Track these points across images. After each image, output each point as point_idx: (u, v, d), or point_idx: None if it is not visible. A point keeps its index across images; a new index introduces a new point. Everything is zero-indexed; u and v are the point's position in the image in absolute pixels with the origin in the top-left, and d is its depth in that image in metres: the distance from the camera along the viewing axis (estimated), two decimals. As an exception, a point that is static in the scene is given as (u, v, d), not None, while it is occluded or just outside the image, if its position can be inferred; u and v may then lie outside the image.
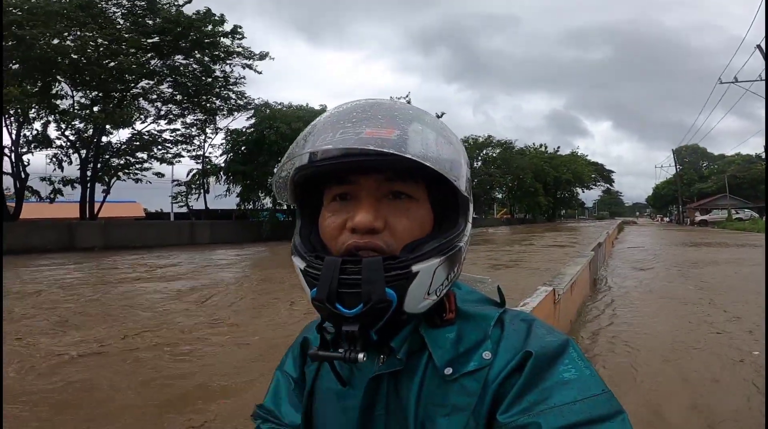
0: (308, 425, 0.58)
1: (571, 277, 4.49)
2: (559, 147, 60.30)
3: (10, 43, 15.53)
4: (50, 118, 18.67)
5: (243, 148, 22.43)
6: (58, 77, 17.70)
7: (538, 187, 47.60)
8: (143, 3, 18.52)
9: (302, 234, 0.54)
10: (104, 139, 20.14)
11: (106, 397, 3.12)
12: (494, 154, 45.01)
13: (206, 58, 20.85)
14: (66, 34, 16.75)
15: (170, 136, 22.17)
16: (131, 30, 18.36)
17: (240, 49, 21.28)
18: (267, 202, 23.74)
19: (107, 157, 20.61)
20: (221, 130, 23.92)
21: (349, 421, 0.52)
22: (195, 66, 20.93)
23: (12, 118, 17.55)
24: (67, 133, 19.26)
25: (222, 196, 24.28)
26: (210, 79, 21.44)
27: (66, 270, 10.68)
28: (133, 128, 20.61)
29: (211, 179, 24.46)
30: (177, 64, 20.44)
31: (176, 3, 19.18)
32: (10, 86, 14.85)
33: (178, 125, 22.34)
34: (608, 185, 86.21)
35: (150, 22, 18.75)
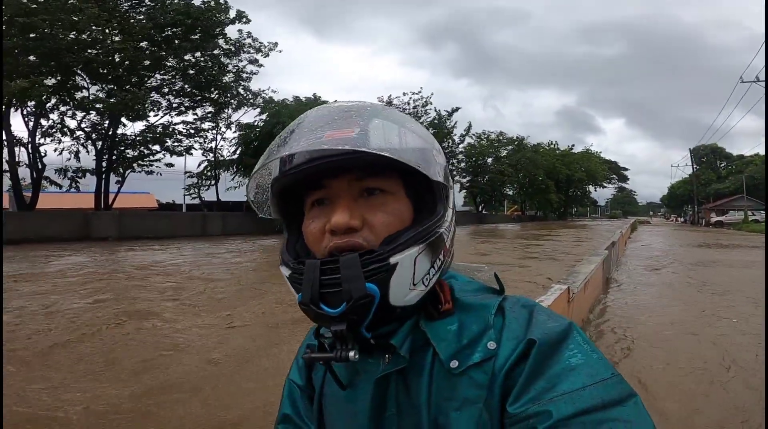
0: None
1: (585, 276, 4.44)
2: (573, 145, 59.43)
3: (30, 35, 15.78)
4: (66, 109, 18.95)
5: (255, 143, 22.60)
6: (76, 69, 17.92)
7: (550, 185, 47.04)
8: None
9: (288, 244, 0.55)
10: (119, 130, 20.42)
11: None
12: (506, 151, 44.52)
13: (217, 51, 20.97)
14: (81, 27, 16.93)
15: (183, 128, 22.39)
16: (144, 24, 18.50)
17: (249, 40, 21.41)
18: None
19: (122, 148, 20.89)
20: (233, 123, 24.13)
21: (360, 424, 0.51)
22: (206, 59, 21.08)
23: (27, 110, 17.82)
24: (83, 124, 19.57)
25: (233, 189, 24.52)
26: (220, 72, 21.57)
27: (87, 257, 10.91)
28: (147, 121, 20.86)
29: (223, 172, 24.70)
30: (189, 57, 20.56)
31: None
32: (22, 78, 15.06)
33: (189, 118, 22.55)
34: (622, 184, 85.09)
35: (161, 15, 18.89)
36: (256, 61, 22.10)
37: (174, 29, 19.34)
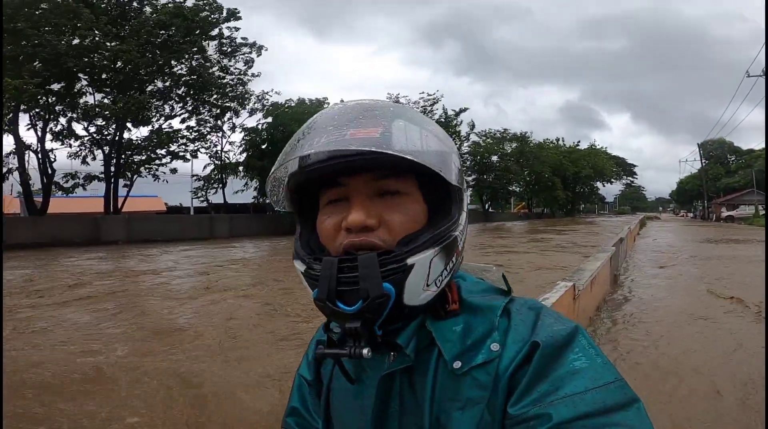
0: (328, 424, 0.59)
1: (591, 273, 4.42)
2: (579, 141, 59.08)
3: (29, 44, 16.01)
4: (72, 115, 19.17)
5: (262, 146, 22.80)
6: (80, 75, 18.13)
7: (557, 182, 46.75)
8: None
9: (302, 239, 0.55)
10: (125, 135, 20.62)
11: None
12: (511, 148, 44.30)
13: (212, 50, 21.07)
14: (81, 33, 17.13)
15: (187, 133, 22.55)
16: (139, 26, 18.64)
17: (240, 39, 21.45)
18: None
19: (129, 153, 21.11)
20: (237, 127, 24.28)
21: (365, 419, 0.52)
22: (203, 60, 21.18)
23: (33, 114, 18.04)
24: (90, 129, 19.81)
25: (241, 191, 24.70)
26: (217, 73, 21.65)
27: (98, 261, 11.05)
28: (152, 125, 21.05)
29: (230, 175, 24.88)
30: (186, 60, 20.63)
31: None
32: (18, 79, 15.26)
33: (192, 122, 22.72)
34: (630, 179, 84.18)
35: (154, 17, 18.97)
36: (252, 60, 22.19)
37: (169, 31, 19.47)
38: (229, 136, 25.93)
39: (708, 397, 2.91)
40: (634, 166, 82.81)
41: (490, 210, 43.92)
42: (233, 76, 22.38)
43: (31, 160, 19.11)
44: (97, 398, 3.06)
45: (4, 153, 18.16)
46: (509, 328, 0.50)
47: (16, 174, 18.46)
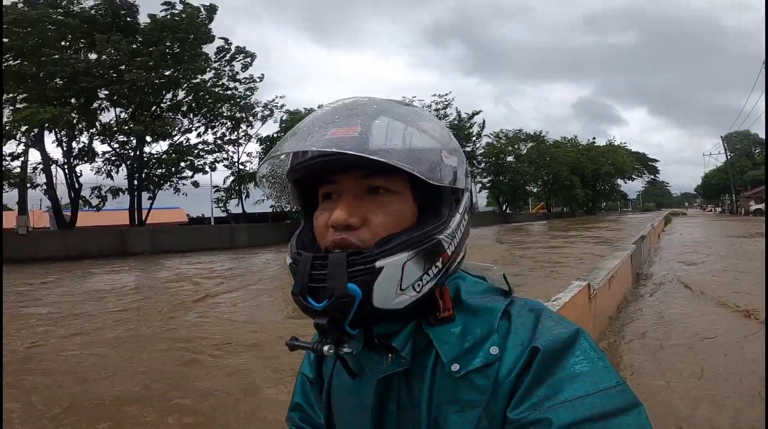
0: (329, 421, 0.60)
1: (608, 272, 4.37)
2: (594, 138, 57.96)
3: (48, 61, 16.69)
4: (93, 131, 19.85)
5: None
6: (98, 92, 18.82)
7: (575, 180, 45.87)
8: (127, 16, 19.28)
9: (301, 234, 0.56)
10: (146, 149, 21.23)
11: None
12: (526, 148, 43.77)
13: (215, 59, 21.42)
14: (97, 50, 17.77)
15: (204, 145, 23.00)
16: (142, 44, 19.17)
17: (228, 47, 21.78)
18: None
19: (150, 167, 21.73)
20: (252, 137, 24.75)
21: (364, 417, 0.53)
22: (213, 74, 21.67)
23: (63, 133, 18.79)
24: (113, 144, 20.49)
25: (261, 202, 25.12)
26: (226, 83, 22.01)
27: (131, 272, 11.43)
28: (171, 140, 21.60)
29: (249, 185, 25.32)
30: (192, 75, 21.07)
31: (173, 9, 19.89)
32: (49, 106, 15.96)
33: (209, 136, 23.16)
34: (653, 176, 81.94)
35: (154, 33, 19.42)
36: (248, 65, 22.46)
37: (170, 44, 19.94)
38: (244, 147, 26.41)
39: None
40: (656, 161, 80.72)
41: (507, 211, 43.43)
42: (243, 85, 22.79)
43: (59, 176, 19.96)
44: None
45: (30, 168, 19.01)
46: (509, 332, 0.49)
47: (34, 188, 19.14)
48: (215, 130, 23.15)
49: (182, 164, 22.25)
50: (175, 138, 21.93)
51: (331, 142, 0.46)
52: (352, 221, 0.48)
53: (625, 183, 63.15)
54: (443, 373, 0.49)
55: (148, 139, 20.32)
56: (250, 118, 23.67)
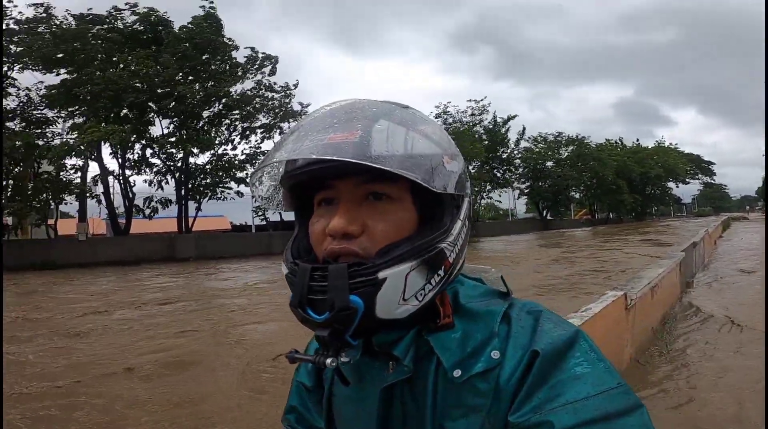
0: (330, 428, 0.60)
1: (650, 281, 4.12)
2: (638, 140, 54.91)
3: (95, 78, 18.00)
4: (144, 143, 21.11)
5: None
6: (150, 104, 20.02)
7: (622, 185, 43.62)
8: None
9: (296, 240, 0.54)
10: (191, 160, 22.33)
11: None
12: (567, 152, 42.15)
13: (246, 73, 22.08)
14: (136, 69, 18.92)
15: (243, 157, 23.74)
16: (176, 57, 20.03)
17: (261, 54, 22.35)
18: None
19: (196, 177, 22.84)
20: None
21: (368, 425, 0.53)
22: (248, 84, 22.40)
23: (118, 145, 20.15)
24: (162, 155, 21.74)
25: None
26: (263, 93, 22.69)
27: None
28: (215, 151, 22.61)
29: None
30: (227, 85, 21.74)
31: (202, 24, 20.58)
32: (106, 124, 17.19)
33: (247, 147, 23.84)
34: (708, 178, 76.60)
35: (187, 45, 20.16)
36: (275, 71, 22.93)
37: (205, 56, 20.77)
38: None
39: None
40: (712, 163, 75.40)
41: (548, 217, 41.98)
42: (278, 93, 23.50)
43: (115, 186, 21.45)
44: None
45: (89, 179, 20.57)
46: (509, 335, 0.49)
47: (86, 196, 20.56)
48: (250, 139, 23.93)
49: (224, 175, 23.18)
50: (218, 149, 22.95)
51: (330, 148, 0.44)
52: (351, 229, 0.47)
53: (677, 187, 59.34)
54: (445, 379, 0.48)
55: (195, 150, 21.37)
56: (283, 126, 24.31)
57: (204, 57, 20.91)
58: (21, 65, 19.07)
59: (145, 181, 21.86)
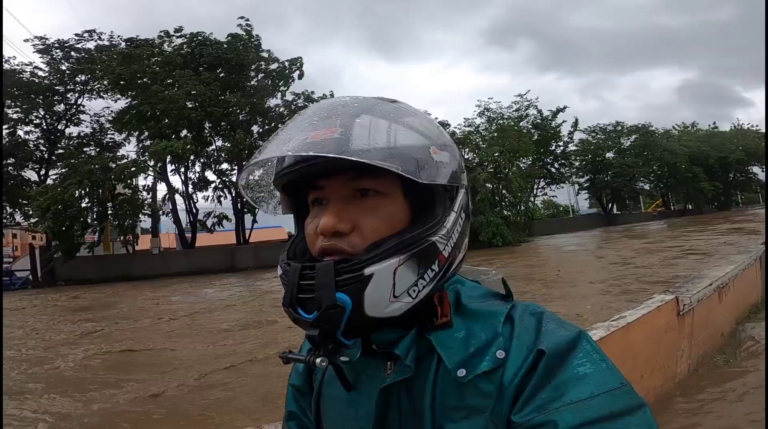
0: None
1: (712, 281, 3.65)
2: (714, 123, 49.48)
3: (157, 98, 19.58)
4: (203, 161, 22.63)
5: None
6: (204, 125, 21.49)
7: (697, 172, 39.60)
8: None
9: (293, 241, 0.55)
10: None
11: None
12: (630, 142, 39.12)
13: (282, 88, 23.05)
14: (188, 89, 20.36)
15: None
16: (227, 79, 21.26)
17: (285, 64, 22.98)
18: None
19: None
20: None
21: (363, 426, 0.52)
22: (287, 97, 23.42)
23: (176, 166, 21.81)
24: (217, 170, 23.23)
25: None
26: (303, 104, 23.53)
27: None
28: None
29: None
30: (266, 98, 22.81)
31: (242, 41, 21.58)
32: (166, 140, 18.69)
33: None
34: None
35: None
36: (302, 74, 23.56)
37: (245, 72, 21.88)
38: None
39: None
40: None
41: (614, 211, 39.15)
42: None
43: (181, 203, 23.23)
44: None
45: (158, 197, 22.45)
46: (513, 336, 0.48)
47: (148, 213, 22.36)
48: None
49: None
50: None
51: (310, 146, 0.44)
52: (340, 227, 0.47)
53: (763, 171, 52.65)
54: (447, 379, 0.48)
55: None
56: None
57: (244, 73, 22.15)
58: (89, 92, 21.38)
59: (204, 198, 23.46)
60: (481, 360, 0.47)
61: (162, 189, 22.93)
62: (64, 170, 20.02)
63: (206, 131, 21.73)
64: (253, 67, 22.45)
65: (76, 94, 23.06)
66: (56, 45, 21.70)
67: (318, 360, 0.45)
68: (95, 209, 19.43)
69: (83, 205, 18.82)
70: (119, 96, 21.59)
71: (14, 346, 6.43)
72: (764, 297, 4.01)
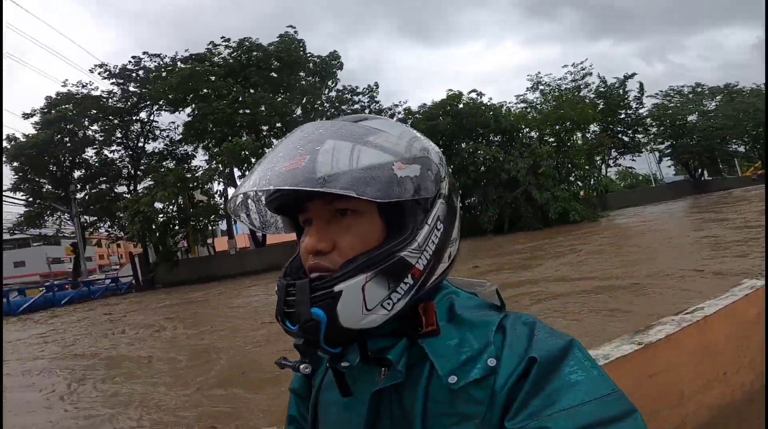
0: None
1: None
2: None
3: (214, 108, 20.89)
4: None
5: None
6: (261, 128, 22.75)
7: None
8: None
9: (294, 259, 0.58)
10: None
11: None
12: (712, 103, 34.67)
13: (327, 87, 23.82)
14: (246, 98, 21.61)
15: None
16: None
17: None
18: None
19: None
20: None
21: None
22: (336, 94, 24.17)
23: (247, 167, 23.37)
24: None
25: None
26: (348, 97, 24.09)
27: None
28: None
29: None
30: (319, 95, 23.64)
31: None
32: (229, 141, 20.17)
33: None
34: None
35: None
36: (341, 66, 24.12)
37: (294, 73, 22.84)
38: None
39: None
40: None
41: (705, 178, 35.13)
42: (363, 95, 24.45)
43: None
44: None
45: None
46: (505, 344, 0.49)
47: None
48: None
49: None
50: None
51: (280, 177, 0.47)
52: (321, 247, 0.50)
53: None
54: (439, 386, 0.49)
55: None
56: None
57: (293, 74, 23.03)
58: (157, 110, 23.38)
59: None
60: (473, 368, 0.48)
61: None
62: (149, 184, 22.30)
63: (264, 133, 22.93)
64: (298, 66, 23.35)
65: (146, 113, 25.53)
66: (122, 69, 24.20)
67: (302, 366, 0.48)
68: (180, 216, 21.42)
69: (168, 213, 20.86)
70: (179, 111, 23.60)
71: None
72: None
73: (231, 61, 23.27)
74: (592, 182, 25.83)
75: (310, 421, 0.61)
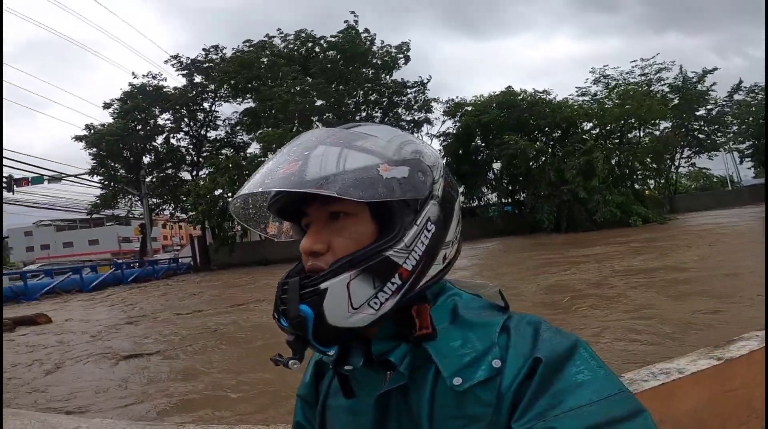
0: None
1: None
2: None
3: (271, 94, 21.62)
4: None
5: (459, 152, 23.84)
6: (312, 118, 23.35)
7: None
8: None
9: (298, 262, 0.60)
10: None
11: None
12: None
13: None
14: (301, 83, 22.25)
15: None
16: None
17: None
18: (492, 196, 24.56)
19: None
20: (434, 136, 26.40)
21: None
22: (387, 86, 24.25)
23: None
24: None
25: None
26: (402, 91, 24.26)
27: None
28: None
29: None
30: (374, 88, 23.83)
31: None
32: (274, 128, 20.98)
33: None
34: None
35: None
36: (408, 58, 24.10)
37: (358, 62, 23.15)
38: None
39: None
40: None
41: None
42: (414, 88, 24.32)
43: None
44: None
45: None
46: (509, 345, 0.49)
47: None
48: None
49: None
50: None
51: (274, 182, 0.50)
52: (316, 248, 0.52)
53: None
54: (444, 388, 0.49)
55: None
56: (429, 117, 25.12)
57: (356, 65, 23.33)
58: (219, 99, 24.52)
59: None
60: (477, 369, 0.48)
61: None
62: (210, 170, 23.69)
63: (315, 124, 23.56)
64: (366, 59, 23.68)
65: (209, 102, 26.92)
66: (190, 62, 25.75)
67: (290, 362, 0.50)
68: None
69: (226, 198, 22.10)
70: (240, 100, 24.57)
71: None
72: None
73: (287, 51, 24.08)
74: (662, 182, 24.04)
75: (318, 426, 0.62)
